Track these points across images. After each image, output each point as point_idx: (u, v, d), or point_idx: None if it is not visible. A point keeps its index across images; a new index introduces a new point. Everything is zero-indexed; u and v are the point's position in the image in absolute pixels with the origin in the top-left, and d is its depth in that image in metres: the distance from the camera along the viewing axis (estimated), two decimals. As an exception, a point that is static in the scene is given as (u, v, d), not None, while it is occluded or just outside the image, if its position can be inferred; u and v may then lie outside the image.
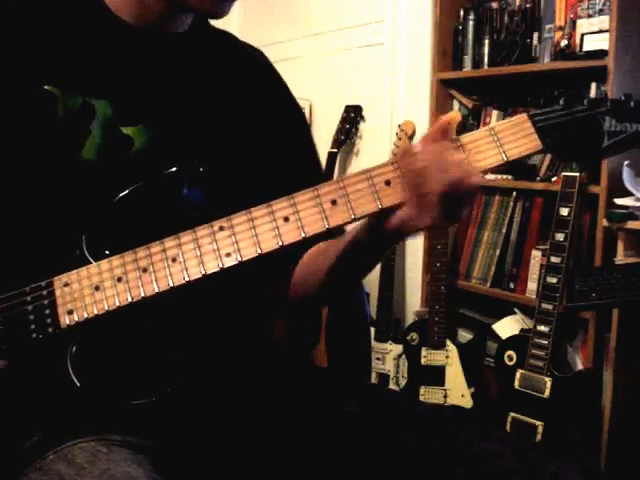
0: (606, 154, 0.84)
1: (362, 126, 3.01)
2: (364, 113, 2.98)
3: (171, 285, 0.82)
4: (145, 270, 0.83)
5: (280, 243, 0.81)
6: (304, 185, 0.84)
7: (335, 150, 2.86)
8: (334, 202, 0.81)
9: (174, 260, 0.82)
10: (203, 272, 0.81)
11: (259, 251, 0.81)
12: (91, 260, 0.86)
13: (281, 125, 1.09)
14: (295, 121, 1.14)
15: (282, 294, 1.06)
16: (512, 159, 0.81)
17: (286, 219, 0.81)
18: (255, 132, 1.05)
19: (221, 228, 0.82)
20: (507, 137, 0.81)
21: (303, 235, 0.81)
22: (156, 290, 0.82)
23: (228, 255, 0.81)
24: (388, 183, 0.80)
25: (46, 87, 0.92)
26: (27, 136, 0.93)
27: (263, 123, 1.06)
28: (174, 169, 0.90)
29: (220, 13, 0.96)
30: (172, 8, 0.96)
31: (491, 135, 0.81)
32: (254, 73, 1.09)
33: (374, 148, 2.98)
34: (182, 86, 1.00)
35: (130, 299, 0.83)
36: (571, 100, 0.82)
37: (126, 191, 0.89)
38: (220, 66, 1.05)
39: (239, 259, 0.81)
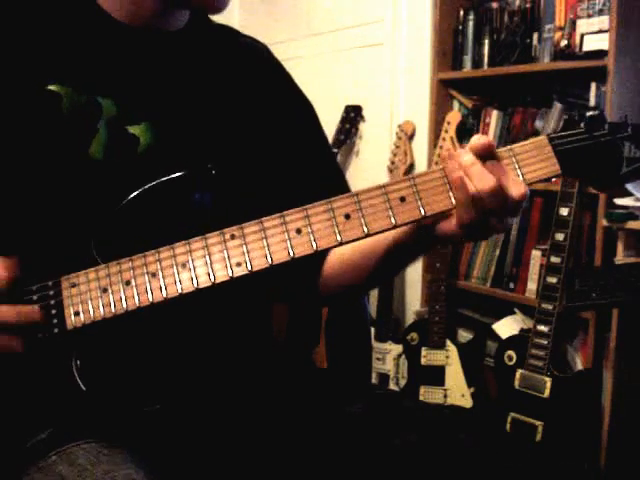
0: (625, 181, 0.81)
1: (362, 126, 3.01)
2: (364, 113, 2.98)
3: (180, 292, 0.81)
4: (154, 275, 0.82)
5: (291, 255, 0.80)
6: (319, 186, 0.83)
7: (335, 150, 2.86)
8: (348, 216, 0.80)
9: (184, 266, 0.81)
10: (213, 280, 0.81)
11: (270, 262, 0.80)
12: (100, 261, 0.85)
13: (290, 123, 1.07)
14: (305, 117, 1.11)
15: (312, 290, 1.05)
16: (530, 182, 0.79)
17: (298, 231, 0.80)
18: (263, 130, 1.04)
19: (232, 236, 0.81)
20: (526, 160, 0.80)
21: (315, 248, 0.80)
22: (164, 296, 0.82)
23: (238, 264, 0.80)
24: (403, 199, 0.79)
25: (50, 87, 0.92)
26: (34, 136, 0.92)
27: (271, 121, 1.05)
28: (185, 172, 0.89)
29: (217, 7, 0.94)
30: (166, 5, 0.95)
31: (510, 157, 0.80)
32: (259, 68, 1.07)
33: (374, 148, 2.98)
34: (184, 84, 0.99)
35: (138, 304, 0.82)
36: (592, 124, 0.80)
37: (136, 192, 0.87)
38: (223, 62, 1.04)
39: (249, 269, 0.80)
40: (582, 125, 0.80)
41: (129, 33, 0.96)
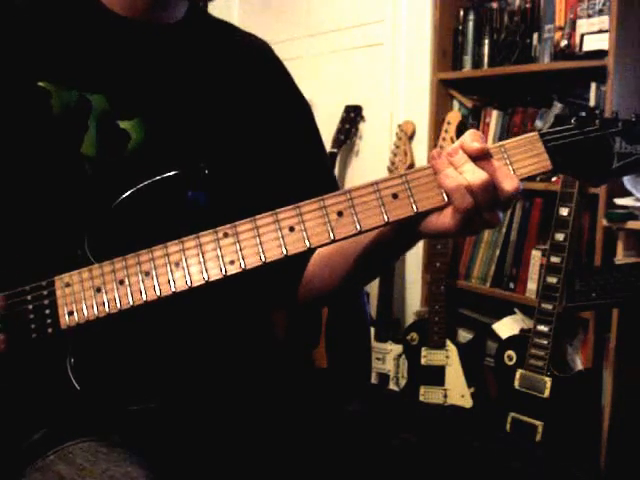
0: (615, 175, 0.82)
1: (362, 126, 3.01)
2: (364, 113, 2.98)
3: (173, 290, 0.81)
4: (147, 274, 0.82)
5: (285, 253, 0.80)
6: (312, 187, 0.83)
7: (335, 150, 2.86)
8: (340, 214, 0.80)
9: (177, 265, 0.81)
10: (206, 279, 0.81)
11: (263, 259, 0.80)
12: (93, 260, 0.85)
13: (286, 121, 1.06)
14: (301, 117, 1.11)
15: (293, 290, 1.05)
16: (521, 178, 0.79)
17: (291, 229, 0.80)
18: (258, 128, 1.03)
19: (225, 235, 0.81)
20: (517, 155, 0.80)
21: (308, 245, 0.80)
22: (158, 295, 0.82)
23: (232, 262, 0.80)
24: (395, 196, 0.80)
25: (40, 83, 0.91)
26: (25, 134, 0.92)
27: (267, 119, 1.04)
28: (178, 171, 0.89)
29: None
30: None
31: (501, 152, 0.80)
32: (257, 64, 1.06)
33: (374, 148, 2.98)
34: (178, 78, 0.98)
35: (132, 303, 0.82)
36: (583, 120, 0.81)
37: (129, 192, 0.87)
38: (219, 57, 1.03)
39: (242, 267, 0.80)
40: (573, 121, 0.81)
41: (127, 25, 0.95)
